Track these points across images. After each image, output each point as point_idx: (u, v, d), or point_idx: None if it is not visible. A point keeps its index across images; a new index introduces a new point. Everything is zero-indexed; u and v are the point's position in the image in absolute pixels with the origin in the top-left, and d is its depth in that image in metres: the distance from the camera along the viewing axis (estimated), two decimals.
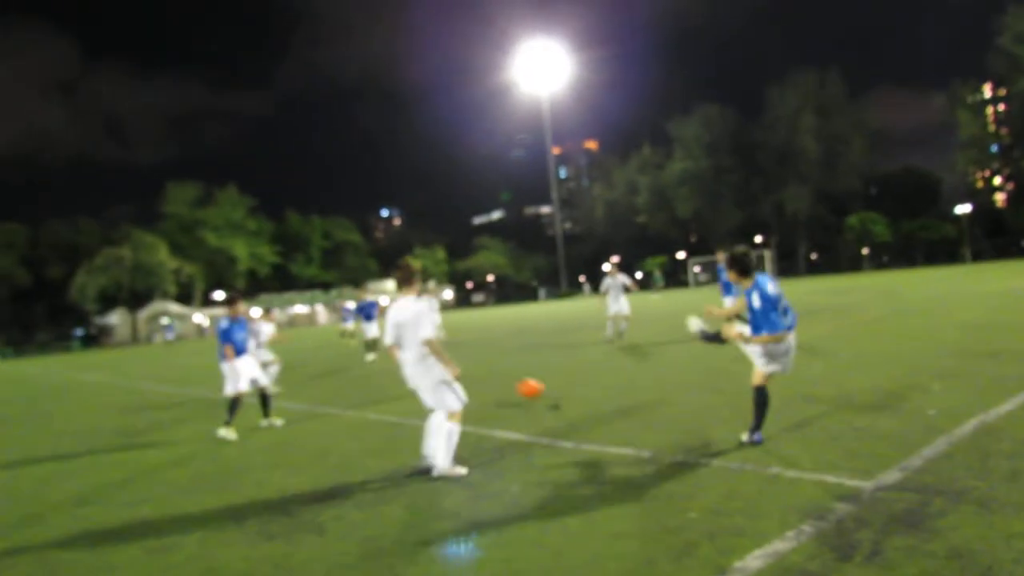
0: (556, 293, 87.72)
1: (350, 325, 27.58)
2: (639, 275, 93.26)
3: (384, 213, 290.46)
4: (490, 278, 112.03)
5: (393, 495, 5.06)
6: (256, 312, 12.50)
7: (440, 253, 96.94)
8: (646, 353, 12.85)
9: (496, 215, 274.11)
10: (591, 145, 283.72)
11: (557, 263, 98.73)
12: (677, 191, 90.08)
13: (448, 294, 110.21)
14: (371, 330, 17.49)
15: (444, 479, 5.33)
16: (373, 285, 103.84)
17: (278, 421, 8.85)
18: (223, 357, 8.30)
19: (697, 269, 78.03)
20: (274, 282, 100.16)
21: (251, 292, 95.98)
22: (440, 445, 5.40)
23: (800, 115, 79.48)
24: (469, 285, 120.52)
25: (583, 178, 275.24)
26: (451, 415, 5.46)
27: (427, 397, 5.49)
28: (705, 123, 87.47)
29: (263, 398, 8.83)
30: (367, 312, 18.02)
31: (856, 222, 78.48)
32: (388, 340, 5.62)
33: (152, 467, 6.88)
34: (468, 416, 7.87)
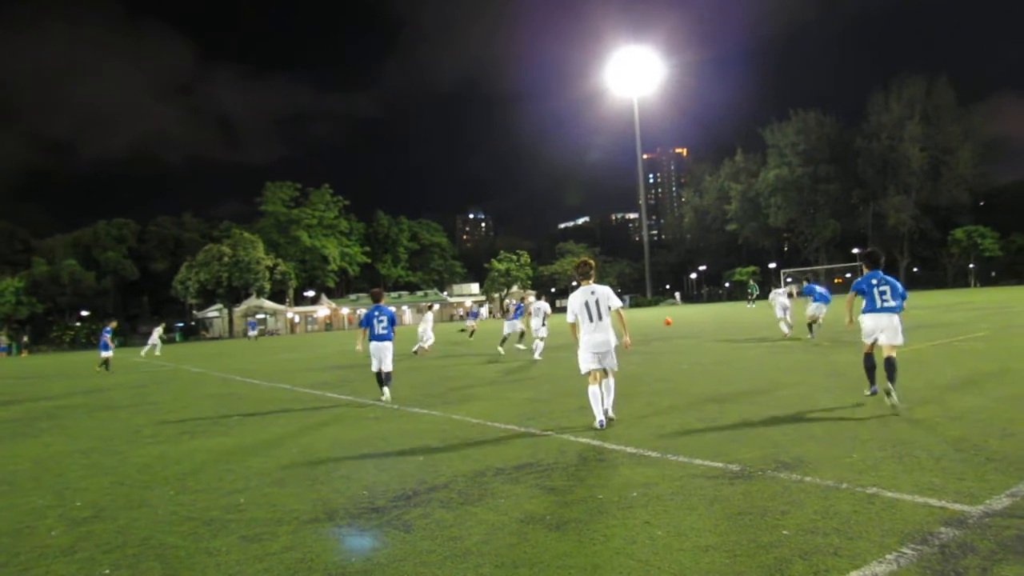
0: (642, 300, 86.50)
1: (472, 323, 30.95)
2: (727, 286, 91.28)
3: (472, 215, 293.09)
4: (574, 284, 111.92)
5: (478, 495, 5.12)
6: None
7: (525, 257, 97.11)
8: (731, 360, 12.56)
9: (582, 220, 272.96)
10: (681, 151, 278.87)
11: (643, 270, 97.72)
12: (770, 199, 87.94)
13: (529, 299, 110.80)
14: (515, 326, 20.34)
15: (530, 485, 5.37)
16: (457, 288, 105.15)
17: (384, 396, 10.64)
18: (381, 337, 10.70)
19: (789, 280, 75.61)
20: (363, 282, 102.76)
21: (341, 291, 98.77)
22: (610, 396, 7.58)
23: (905, 123, 76.23)
24: (552, 290, 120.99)
25: (672, 184, 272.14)
26: (613, 373, 7.64)
27: (605, 360, 7.48)
28: (802, 129, 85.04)
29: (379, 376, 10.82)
30: (519, 311, 20.92)
31: (963, 235, 74.57)
32: (570, 319, 7.74)
33: (245, 455, 7.17)
34: (555, 420, 7.88)
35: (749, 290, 62.75)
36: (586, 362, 7.53)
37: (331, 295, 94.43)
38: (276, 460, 6.84)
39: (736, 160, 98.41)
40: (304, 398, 12.01)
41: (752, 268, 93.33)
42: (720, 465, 5.49)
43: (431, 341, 22.00)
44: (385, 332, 10.74)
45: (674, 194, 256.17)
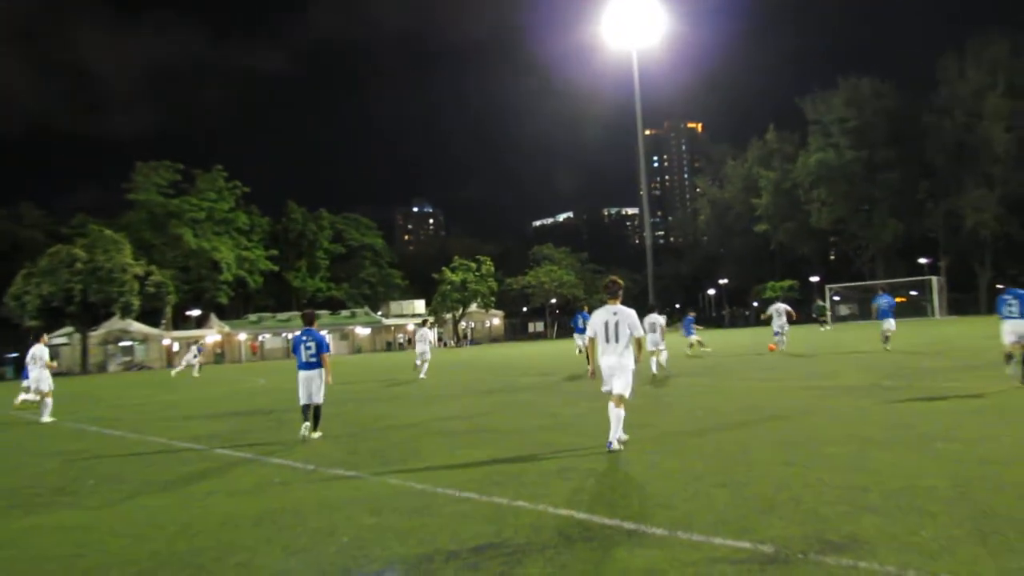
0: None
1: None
2: (755, 305, 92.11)
3: (416, 209, 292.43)
4: (554, 301, 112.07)
5: None
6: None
7: (487, 265, 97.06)
8: (761, 405, 12.68)
9: (564, 216, 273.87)
10: (695, 126, 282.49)
11: (645, 283, 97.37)
12: (812, 192, 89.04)
13: (495, 321, 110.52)
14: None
15: (494, 574, 5.34)
16: (397, 306, 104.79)
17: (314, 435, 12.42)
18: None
19: (837, 298, 76.75)
20: (266, 297, 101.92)
21: (237, 310, 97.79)
22: (617, 425, 9.62)
23: (985, 94, 77.54)
24: (524, 309, 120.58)
25: (683, 170, 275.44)
26: (623, 400, 9.71)
27: (617, 382, 9.72)
28: (853, 102, 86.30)
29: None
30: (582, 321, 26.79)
31: None
32: (590, 333, 10.07)
33: (101, 537, 7.03)
34: (527, 486, 7.87)
35: (819, 311, 63.85)
36: (603, 387, 9.98)
37: (224, 315, 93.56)
38: (145, 544, 6.71)
39: (767, 140, 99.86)
40: (185, 456, 11.88)
41: (788, 282, 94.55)
42: (747, 545, 5.51)
43: (427, 364, 27.75)
44: (314, 360, 12.43)
45: (686, 183, 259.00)
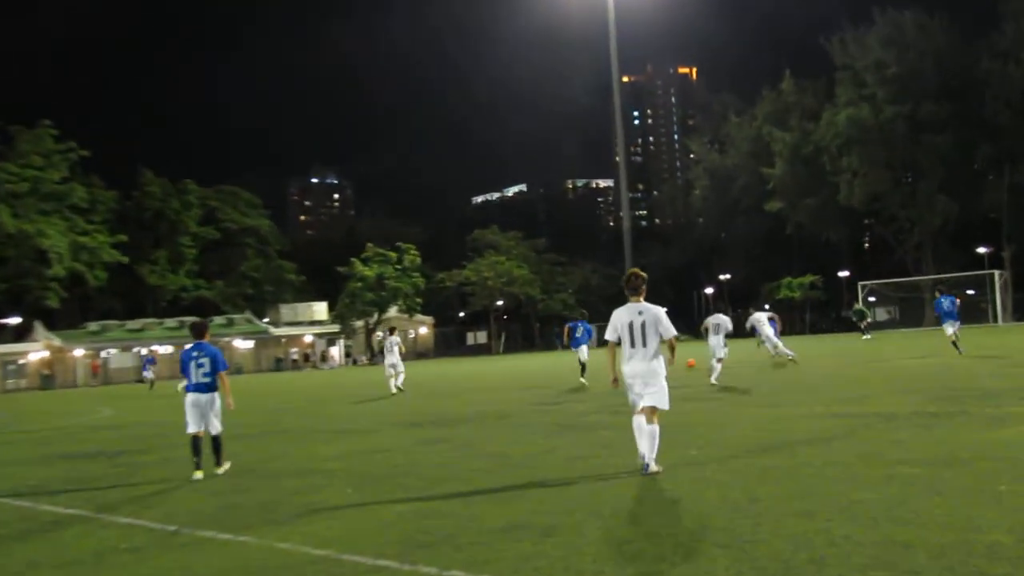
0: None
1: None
2: (767, 308, 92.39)
3: (316, 181, 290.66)
4: (501, 303, 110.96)
5: None
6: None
7: (412, 254, 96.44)
8: (776, 443, 12.77)
9: (515, 190, 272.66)
10: (687, 71, 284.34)
11: (620, 278, 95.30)
12: (841, 159, 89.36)
13: (421, 330, 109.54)
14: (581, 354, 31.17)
15: None
16: (289, 311, 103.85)
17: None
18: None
19: (872, 299, 77.47)
20: (112, 298, 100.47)
21: (74, 315, 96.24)
22: (652, 444, 10.48)
23: None
24: (462, 314, 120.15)
25: (672, 128, 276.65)
26: (656, 414, 10.56)
27: (647, 393, 10.52)
28: (894, 41, 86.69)
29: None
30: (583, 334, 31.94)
31: None
32: (609, 335, 10.94)
33: None
34: (465, 549, 7.86)
35: (858, 315, 64.35)
36: (629, 396, 10.81)
37: (54, 324, 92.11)
38: None
39: (782, 91, 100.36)
40: (2, 513, 11.70)
41: (810, 278, 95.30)
42: None
43: (403, 374, 30.78)
44: (208, 380, 13.06)
45: (676, 146, 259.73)
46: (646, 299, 10.85)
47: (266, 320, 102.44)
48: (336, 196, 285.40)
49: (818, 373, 28.14)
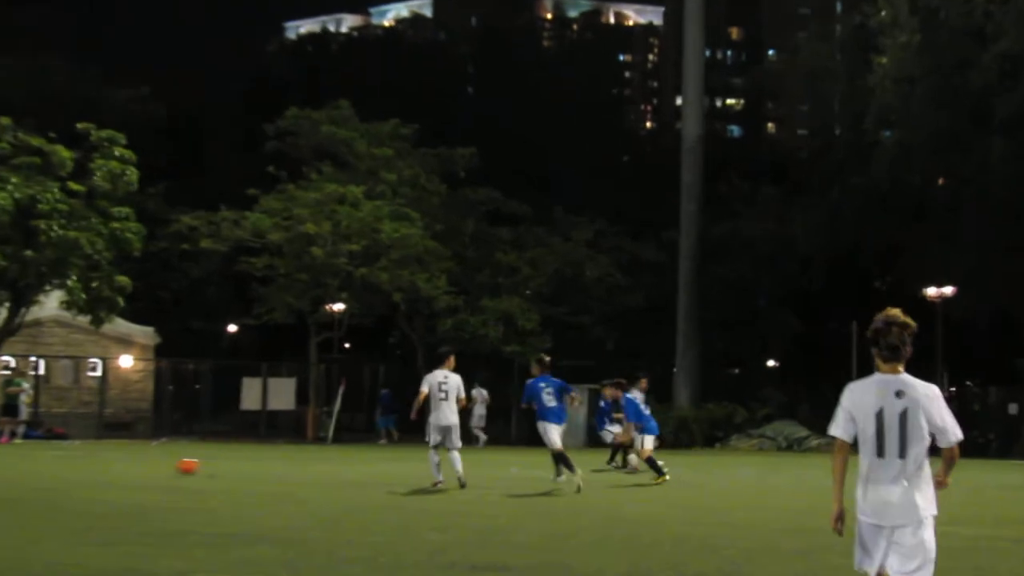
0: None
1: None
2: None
3: None
4: (339, 307, 50.21)
5: None
6: None
7: (115, 164, 34.76)
8: None
9: (390, 15, 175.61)
10: None
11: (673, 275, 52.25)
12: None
13: (122, 361, 46.49)
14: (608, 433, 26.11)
15: None
16: None
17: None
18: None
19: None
20: None
21: None
22: None
23: None
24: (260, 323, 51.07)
25: None
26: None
27: (900, 554, 5.49)
28: None
29: None
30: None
31: None
32: (839, 432, 5.96)
33: None
34: None
35: None
36: (856, 553, 5.81)
37: None
38: None
39: None
40: None
41: None
42: None
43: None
44: None
45: None
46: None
47: None
48: None
49: None
